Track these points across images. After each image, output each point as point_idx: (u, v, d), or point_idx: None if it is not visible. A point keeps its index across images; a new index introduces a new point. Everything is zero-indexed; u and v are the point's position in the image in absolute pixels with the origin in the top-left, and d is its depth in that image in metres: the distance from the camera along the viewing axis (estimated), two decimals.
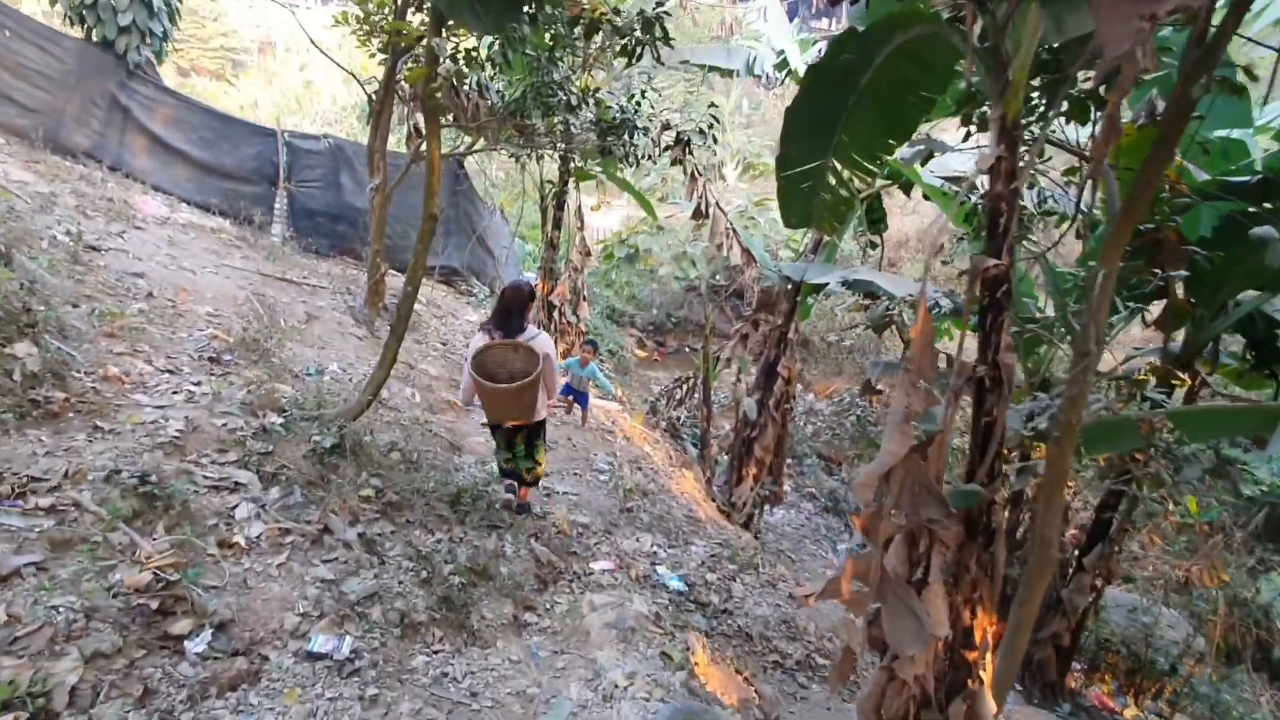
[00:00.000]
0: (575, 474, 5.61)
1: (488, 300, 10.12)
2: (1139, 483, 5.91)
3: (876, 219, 7.34)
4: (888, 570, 2.30)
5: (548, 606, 3.52)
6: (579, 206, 8.48)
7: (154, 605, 2.51)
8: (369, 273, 6.77)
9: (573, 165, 7.98)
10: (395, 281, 9.19)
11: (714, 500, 7.21)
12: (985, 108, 3.22)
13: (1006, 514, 4.78)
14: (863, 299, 7.14)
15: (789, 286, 7.35)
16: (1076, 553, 6.62)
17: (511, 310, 4.09)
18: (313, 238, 8.75)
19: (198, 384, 3.85)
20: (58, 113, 7.55)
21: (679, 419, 8.65)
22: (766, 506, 7.68)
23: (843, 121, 3.55)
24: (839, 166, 4.48)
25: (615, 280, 15.76)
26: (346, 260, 8.86)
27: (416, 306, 8.84)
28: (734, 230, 6.40)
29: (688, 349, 16.02)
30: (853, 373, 10.77)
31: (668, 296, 16.28)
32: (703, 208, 6.38)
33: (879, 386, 8.19)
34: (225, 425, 3.55)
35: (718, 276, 14.93)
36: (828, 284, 7.22)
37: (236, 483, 3.21)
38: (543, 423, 4.38)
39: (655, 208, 9.53)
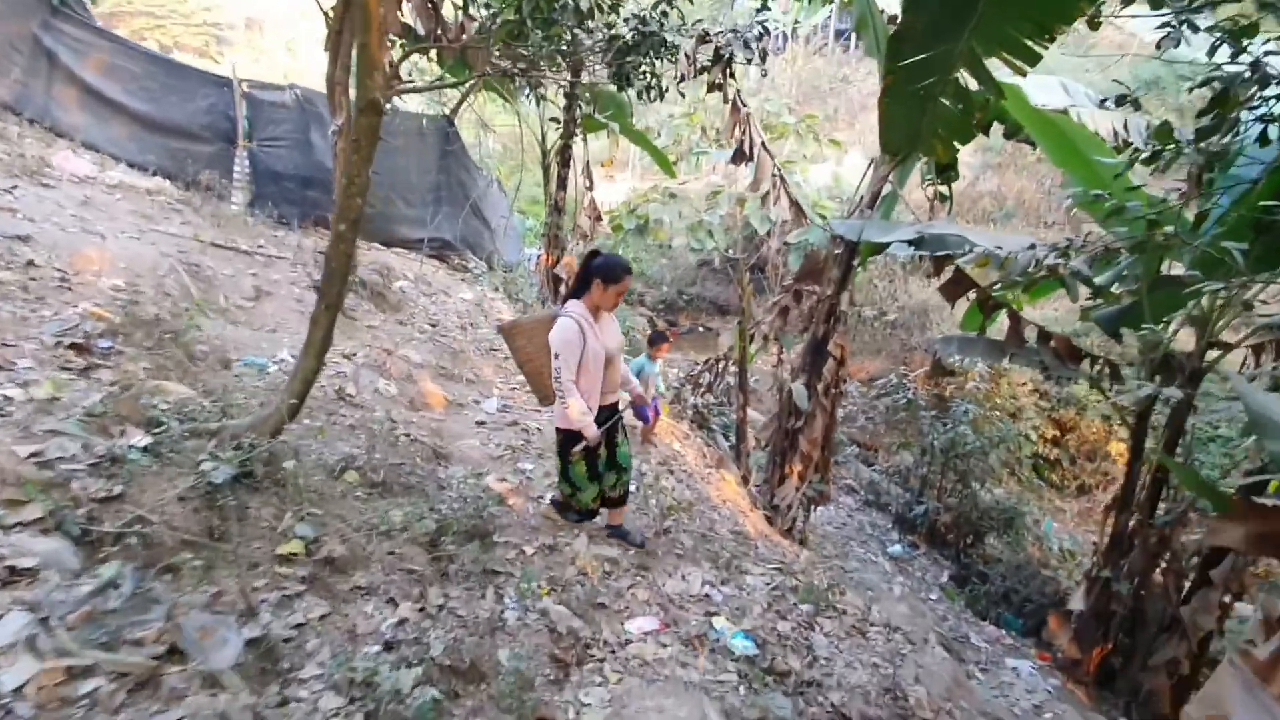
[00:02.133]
0: None
1: (484, 276, 8.79)
2: None
3: (947, 165, 5.99)
4: None
5: (574, 713, 2.25)
6: (587, 164, 7.14)
7: None
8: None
9: (579, 112, 6.62)
10: (379, 256, 7.87)
11: (755, 504, 5.94)
12: None
13: None
14: (928, 261, 5.81)
15: (839, 250, 6.03)
16: (1197, 561, 5.36)
17: (579, 274, 3.25)
18: (280, 205, 7.38)
19: (26, 385, 2.53)
20: None
21: (708, 407, 7.37)
22: (812, 508, 6.42)
23: None
24: (976, 52, 3.16)
25: (624, 255, 14.44)
26: (322, 230, 7.51)
27: (401, 283, 7.55)
28: (782, 178, 5.09)
29: (702, 328, 14.69)
30: (895, 351, 9.49)
31: (679, 272, 14.95)
32: (745, 147, 5.06)
33: (951, 365, 6.91)
34: (38, 454, 2.23)
35: (730, 251, 13.60)
36: (889, 245, 5.90)
37: (14, 569, 1.76)
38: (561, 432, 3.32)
39: (671, 168, 8.17)
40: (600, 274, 3.08)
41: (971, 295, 5.66)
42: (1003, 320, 5.68)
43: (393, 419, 3.99)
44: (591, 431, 3.12)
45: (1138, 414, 5.29)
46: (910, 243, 5.46)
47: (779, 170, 5.06)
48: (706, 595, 3.44)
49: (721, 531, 4.45)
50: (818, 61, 20.11)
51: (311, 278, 5.50)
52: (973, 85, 3.49)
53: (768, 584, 3.92)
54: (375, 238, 8.37)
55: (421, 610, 2.38)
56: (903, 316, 9.67)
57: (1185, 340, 5.30)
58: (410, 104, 10.23)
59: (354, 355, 4.66)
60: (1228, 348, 5.31)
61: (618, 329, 3.34)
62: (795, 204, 5.31)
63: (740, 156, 5.18)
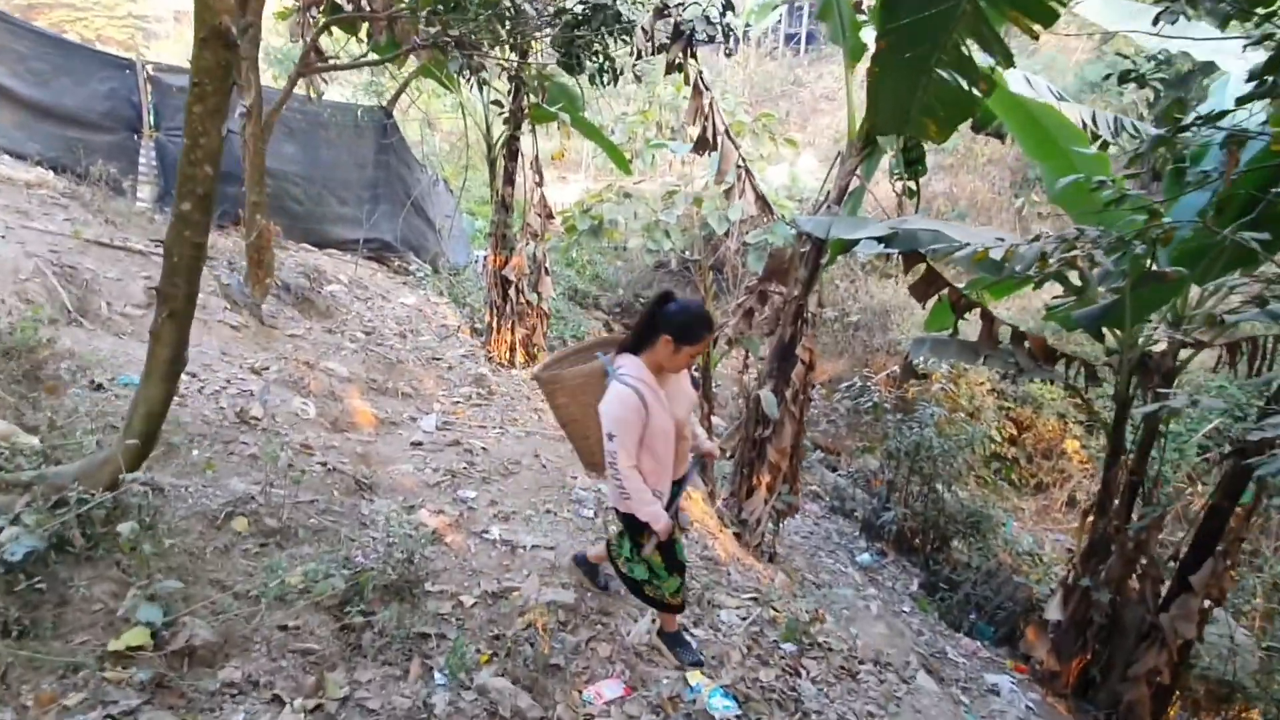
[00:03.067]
0: (548, 510, 3.78)
1: (428, 279, 8.13)
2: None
3: (915, 158, 5.65)
4: None
5: None
6: (536, 158, 6.58)
7: None
8: (246, 234, 4.75)
9: (526, 101, 6.06)
10: (309, 258, 7.13)
11: (724, 521, 5.48)
12: None
13: None
14: (895, 260, 5.46)
15: (806, 248, 5.63)
16: (1175, 566, 5.14)
17: (638, 324, 2.39)
18: None
19: None
20: None
21: None
22: (782, 520, 6.00)
23: None
24: (983, 11, 2.75)
25: (576, 258, 13.85)
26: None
27: (333, 288, 6.83)
28: (747, 169, 4.66)
29: None
30: (858, 353, 9.21)
31: (635, 275, 14.46)
32: (709, 134, 4.60)
33: (921, 368, 6.59)
34: None
35: (686, 252, 13.20)
36: (858, 243, 5.53)
37: None
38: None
39: (626, 164, 7.67)
40: (675, 330, 2.20)
41: (943, 294, 5.33)
42: (973, 320, 5.37)
43: (307, 444, 3.36)
44: (663, 524, 2.36)
45: (1115, 417, 5.03)
46: (881, 240, 5.09)
47: (744, 162, 4.62)
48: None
49: (690, 558, 3.95)
50: (769, 64, 19.95)
51: (220, 281, 4.79)
52: (976, 55, 3.10)
53: (744, 620, 3.44)
54: (306, 238, 7.63)
55: (318, 709, 1.80)
56: (864, 318, 9.41)
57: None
58: (344, 94, 9.48)
59: (265, 370, 4.00)
60: (1201, 346, 5.11)
61: (688, 384, 2.50)
62: (761, 198, 4.89)
63: (703, 145, 4.72)
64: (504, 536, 3.29)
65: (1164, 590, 5.05)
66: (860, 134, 5.40)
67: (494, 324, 6.56)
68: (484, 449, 4.22)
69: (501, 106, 5.86)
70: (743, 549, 5.02)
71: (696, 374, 6.81)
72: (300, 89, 5.12)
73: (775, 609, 3.81)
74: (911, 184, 5.69)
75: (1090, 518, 5.25)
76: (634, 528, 2.48)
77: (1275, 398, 4.62)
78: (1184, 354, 4.95)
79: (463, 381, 5.34)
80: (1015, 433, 10.26)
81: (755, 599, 3.80)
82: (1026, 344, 5.17)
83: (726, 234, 7.74)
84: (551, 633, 2.68)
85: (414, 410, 4.54)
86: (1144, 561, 5.15)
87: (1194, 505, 6.47)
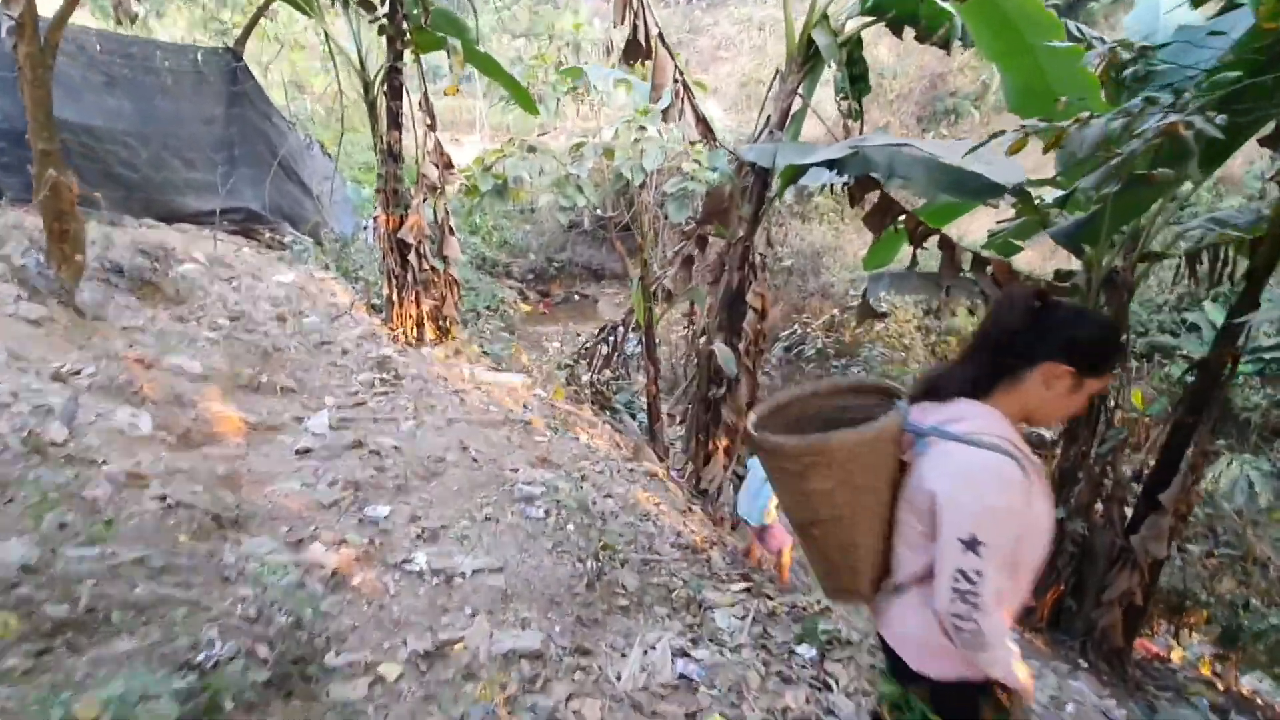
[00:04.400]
0: (487, 517, 2.95)
1: (309, 253, 6.88)
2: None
3: (859, 74, 5.04)
4: None
5: None
6: (425, 96, 5.49)
7: None
8: (42, 206, 3.50)
9: (408, 25, 4.96)
10: (151, 234, 5.75)
11: (685, 494, 4.83)
12: None
13: None
14: (848, 191, 4.87)
15: (748, 182, 4.94)
16: (1140, 488, 4.96)
17: (982, 344, 1.33)
18: None
19: None
20: None
21: (606, 383, 6.12)
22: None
23: None
24: None
25: (481, 223, 12.65)
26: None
27: (186, 268, 5.54)
28: (686, 85, 3.86)
29: (577, 296, 13.35)
30: (793, 298, 8.75)
31: (547, 237, 13.43)
32: (640, 37, 3.76)
33: (880, 308, 6.12)
34: None
35: (599, 210, 12.27)
36: (805, 172, 4.89)
37: None
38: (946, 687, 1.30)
39: (531, 102, 6.67)
40: (1080, 353, 1.24)
41: (898, 223, 4.80)
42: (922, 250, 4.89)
43: (137, 473, 2.36)
44: (1028, 684, 1.28)
45: None
46: (835, 165, 4.47)
47: (682, 75, 3.83)
48: (682, 676, 2.22)
49: (665, 551, 3.25)
50: (663, 12, 19.00)
51: (10, 263, 3.54)
52: None
53: (744, 619, 2.79)
54: (149, 211, 6.19)
55: None
56: (797, 262, 8.95)
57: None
58: (178, 35, 7.86)
59: (75, 375, 2.89)
60: (1159, 257, 4.86)
61: None
62: (703, 120, 4.13)
63: (635, 51, 3.88)
64: (434, 564, 2.44)
65: (1130, 512, 4.86)
66: (801, 46, 4.72)
67: (395, 297, 5.52)
68: (395, 448, 3.30)
69: (374, 9, 4.73)
70: (716, 527, 4.39)
71: (635, 336, 6.05)
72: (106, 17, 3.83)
73: (770, 597, 3.19)
74: (856, 104, 5.09)
75: (1059, 447, 4.99)
76: (963, 701, 1.30)
77: (1235, 310, 4.40)
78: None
79: (361, 367, 4.34)
80: None
81: (748, 589, 3.16)
82: (989, 269, 4.75)
83: (642, 185, 6.96)
84: (516, 700, 1.89)
85: (299, 409, 3.54)
86: (1111, 485, 4.93)
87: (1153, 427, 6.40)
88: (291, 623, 1.90)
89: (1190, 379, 4.68)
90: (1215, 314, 9.31)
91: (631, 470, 4.30)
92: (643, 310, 5.28)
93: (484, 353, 6.08)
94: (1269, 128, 3.55)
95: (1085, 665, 4.91)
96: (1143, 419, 6.10)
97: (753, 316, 4.97)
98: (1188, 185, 4.33)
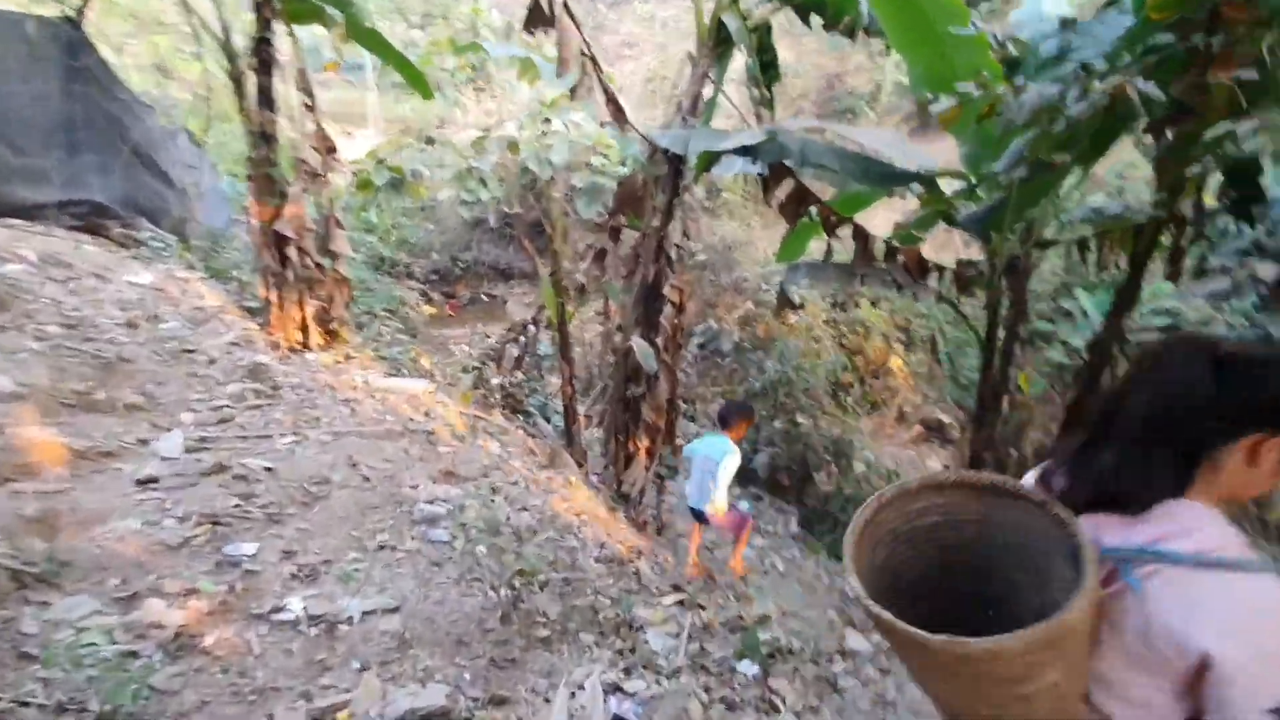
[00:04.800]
0: (383, 546, 2.53)
1: (173, 252, 6.04)
2: None
3: (769, 61, 4.92)
4: None
5: None
6: (302, 72, 4.89)
7: None
8: None
9: None
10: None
11: (606, 499, 4.54)
12: None
13: None
14: (761, 181, 4.74)
15: (663, 170, 4.71)
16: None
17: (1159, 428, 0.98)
18: None
19: None
20: None
21: (518, 386, 5.71)
22: (665, 486, 5.19)
23: None
24: None
25: (379, 221, 11.81)
26: None
27: (10, 268, 4.65)
28: (594, 61, 3.56)
29: (485, 296, 12.74)
30: (707, 294, 8.63)
31: (450, 236, 12.73)
32: (544, 2, 3.42)
33: (796, 299, 6.03)
34: None
35: (505, 207, 11.73)
36: (720, 160, 4.71)
37: None
38: None
39: (425, 85, 6.15)
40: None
41: (812, 213, 4.71)
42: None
43: None
44: None
45: (988, 323, 4.80)
46: (751, 151, 4.31)
47: (589, 49, 3.53)
48: (617, 718, 1.92)
49: (589, 567, 2.95)
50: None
51: None
52: None
53: (679, 638, 2.53)
54: None
55: None
56: (710, 256, 8.86)
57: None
58: (9, 2, 6.75)
59: None
60: (1050, 245, 5.05)
61: None
62: (613, 100, 3.85)
63: (538, 18, 3.52)
64: (312, 610, 2.02)
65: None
66: (711, 30, 4.54)
67: (273, 298, 4.88)
68: (268, 470, 2.80)
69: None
70: (640, 533, 4.12)
71: (547, 335, 5.68)
72: None
73: (702, 606, 2.96)
74: (766, 90, 4.98)
75: (968, 430, 5.09)
76: None
77: (1121, 293, 4.61)
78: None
79: (230, 377, 3.75)
80: (849, 357, 10.50)
81: (680, 602, 2.91)
82: (900, 259, 4.76)
83: (550, 180, 6.64)
84: None
85: (146, 429, 2.95)
86: (1015, 465, 5.08)
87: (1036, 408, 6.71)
88: (110, 711, 1.45)
89: (1078, 360, 4.88)
90: (1086, 301, 10.03)
91: (549, 478, 3.95)
92: (555, 307, 4.93)
93: (381, 357, 5.53)
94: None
95: None
96: (1028, 400, 6.39)
97: (670, 310, 4.74)
98: (1069, 181, 4.49)
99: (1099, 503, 1.00)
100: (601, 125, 4.19)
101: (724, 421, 4.21)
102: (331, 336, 5.32)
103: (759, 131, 4.01)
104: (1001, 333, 4.86)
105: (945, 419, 10.57)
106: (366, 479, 3.01)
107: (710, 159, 4.58)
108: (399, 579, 2.31)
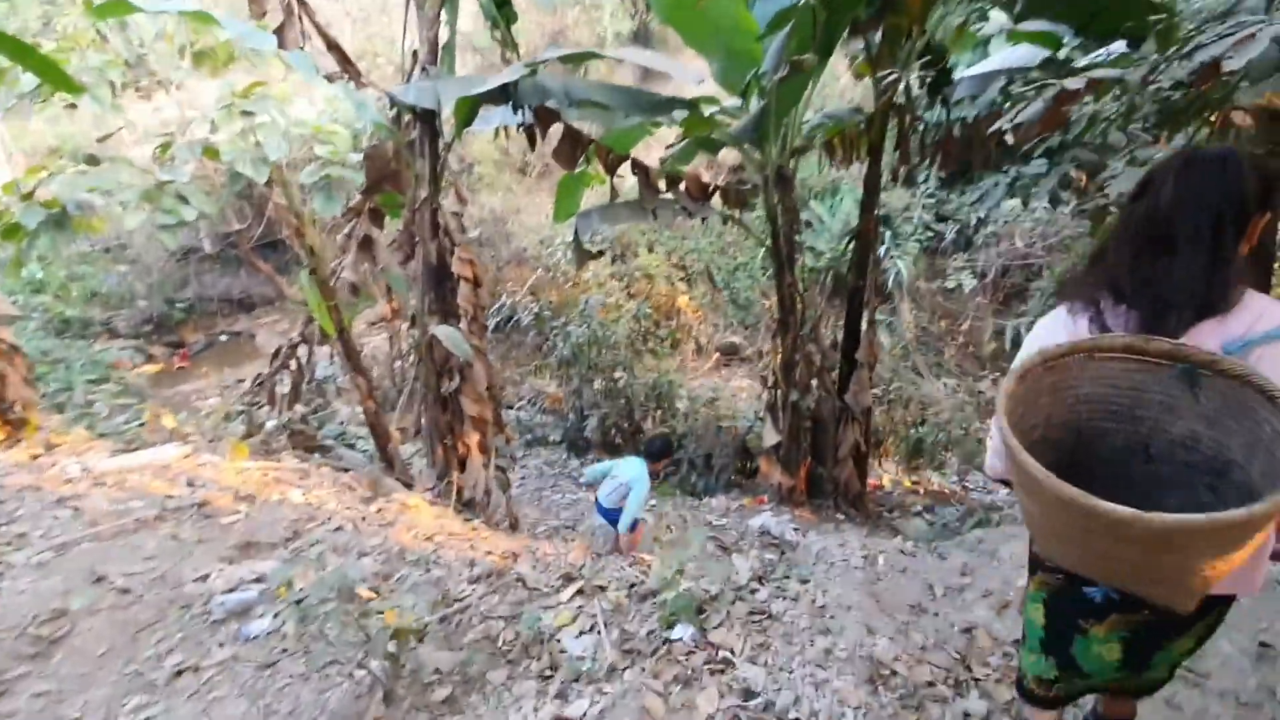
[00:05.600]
0: (180, 670, 1.79)
1: None
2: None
3: (504, 1, 4.45)
4: None
5: None
6: None
7: None
8: None
9: None
10: None
11: (453, 513, 3.95)
12: None
13: None
14: (527, 132, 4.34)
15: (415, 132, 4.06)
16: (839, 354, 5.60)
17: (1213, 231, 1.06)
18: None
19: None
20: None
21: (304, 419, 4.73)
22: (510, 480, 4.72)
23: None
24: None
25: (46, 276, 9.16)
26: None
27: None
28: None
29: (224, 336, 10.67)
30: (491, 271, 8.00)
31: (156, 276, 10.34)
32: None
33: (594, 248, 5.70)
34: None
35: (222, 226, 9.73)
36: (478, 113, 4.18)
37: None
38: None
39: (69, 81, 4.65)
40: (1260, 195, 1.11)
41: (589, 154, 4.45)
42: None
43: None
44: None
45: (771, 234, 5.00)
46: (509, 98, 3.87)
47: None
48: None
49: (466, 593, 2.45)
50: None
51: None
52: None
53: (597, 632, 2.19)
54: None
55: None
56: (484, 231, 8.19)
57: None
58: None
59: None
60: (804, 150, 5.38)
61: None
62: (336, 47, 3.12)
63: None
64: None
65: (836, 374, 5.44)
66: None
67: None
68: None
69: None
70: (506, 535, 3.65)
71: (330, 351, 4.76)
72: None
73: (603, 587, 2.64)
74: (506, 31, 4.52)
75: (778, 336, 5.33)
76: None
77: (867, 182, 5.07)
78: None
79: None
80: (642, 306, 10.69)
81: (580, 591, 2.55)
82: (683, 185, 4.73)
83: (269, 183, 5.62)
84: None
85: None
86: (820, 359, 5.43)
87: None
88: None
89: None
90: (820, 209, 11.31)
91: (379, 510, 3.28)
92: (327, 315, 4.09)
93: (100, 435, 4.21)
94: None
95: (843, 518, 5.48)
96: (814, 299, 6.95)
97: (466, 289, 4.20)
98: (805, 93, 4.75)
99: (1199, 317, 1.08)
100: (328, 79, 3.42)
101: (651, 455, 4.31)
102: (16, 426, 3.90)
103: (518, 67, 3.59)
104: (783, 242, 5.11)
105: (736, 340, 11.35)
106: (126, 590, 2.14)
107: (469, 112, 4.05)
108: (219, 707, 1.63)
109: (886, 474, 7.15)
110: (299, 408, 4.89)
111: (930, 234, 11.04)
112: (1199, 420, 1.07)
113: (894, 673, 1.92)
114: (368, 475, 3.91)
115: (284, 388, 4.58)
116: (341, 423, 5.49)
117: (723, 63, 4.29)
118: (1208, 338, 1.06)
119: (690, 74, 3.52)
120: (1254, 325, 1.04)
